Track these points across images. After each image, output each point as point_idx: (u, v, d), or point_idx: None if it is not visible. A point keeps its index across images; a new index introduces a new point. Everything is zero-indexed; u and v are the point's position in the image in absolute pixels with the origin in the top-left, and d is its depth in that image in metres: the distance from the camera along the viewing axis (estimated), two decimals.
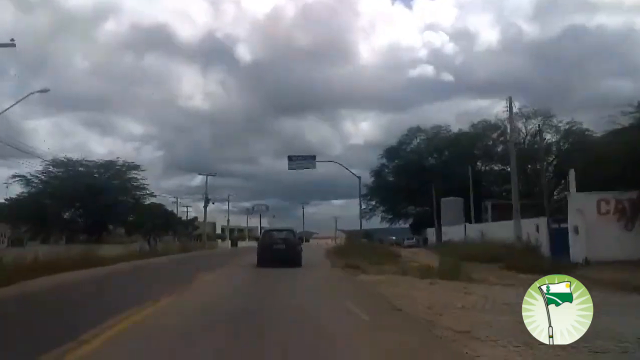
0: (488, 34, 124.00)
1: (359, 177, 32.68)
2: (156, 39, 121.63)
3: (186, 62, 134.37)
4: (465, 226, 39.28)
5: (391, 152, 59.71)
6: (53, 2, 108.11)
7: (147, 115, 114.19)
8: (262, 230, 25.41)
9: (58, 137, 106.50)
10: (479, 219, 47.25)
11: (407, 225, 68.10)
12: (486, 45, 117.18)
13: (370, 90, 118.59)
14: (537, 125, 50.56)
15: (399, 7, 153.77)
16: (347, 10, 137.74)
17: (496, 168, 54.18)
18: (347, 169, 32.49)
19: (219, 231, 79.85)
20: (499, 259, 20.36)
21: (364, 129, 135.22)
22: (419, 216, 63.11)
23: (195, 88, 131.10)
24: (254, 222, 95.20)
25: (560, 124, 50.54)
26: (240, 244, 70.56)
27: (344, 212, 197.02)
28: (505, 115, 31.67)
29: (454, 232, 41.92)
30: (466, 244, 30.28)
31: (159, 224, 48.16)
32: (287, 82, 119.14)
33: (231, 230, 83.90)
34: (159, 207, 47.53)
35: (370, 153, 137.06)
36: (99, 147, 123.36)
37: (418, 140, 59.20)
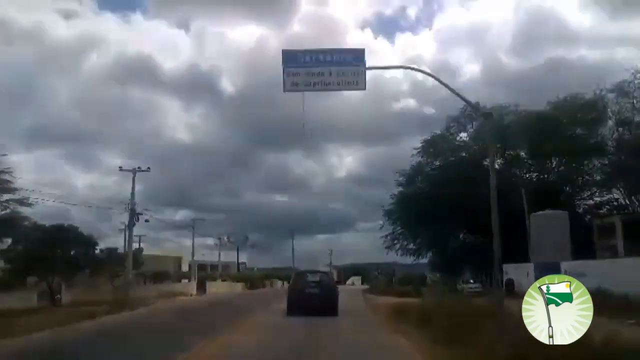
0: (469, 67, 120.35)
1: (476, 105, 14.73)
2: (139, 71, 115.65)
3: (169, 95, 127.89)
4: None
5: (431, 147, 40.32)
6: (34, 33, 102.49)
7: (128, 149, 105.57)
8: (294, 273, 22.09)
9: (38, 172, 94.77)
10: (588, 247, 29.47)
11: (418, 260, 47.51)
12: (468, 77, 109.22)
13: (354, 123, 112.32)
14: None
15: (382, 41, 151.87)
16: (332, 43, 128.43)
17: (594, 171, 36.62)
18: (435, 77, 13.75)
19: (185, 269, 59.68)
20: None
21: (348, 163, 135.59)
22: (469, 246, 44.68)
23: (177, 121, 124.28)
24: (230, 257, 75.44)
25: None
26: (211, 287, 50.79)
27: (335, 245, 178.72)
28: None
29: (603, 271, 20.82)
30: None
31: (72, 258, 28.77)
32: (270, 115, 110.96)
33: (201, 268, 63.98)
34: (66, 231, 28.11)
35: (354, 186, 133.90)
36: (79, 181, 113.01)
37: (472, 128, 39.51)
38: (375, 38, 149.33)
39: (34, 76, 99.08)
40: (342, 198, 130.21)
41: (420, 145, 40.96)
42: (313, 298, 17.74)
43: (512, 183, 34.86)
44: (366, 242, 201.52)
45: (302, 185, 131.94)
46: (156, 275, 44.94)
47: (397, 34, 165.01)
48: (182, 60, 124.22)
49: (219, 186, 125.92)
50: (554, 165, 38.37)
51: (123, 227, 38.86)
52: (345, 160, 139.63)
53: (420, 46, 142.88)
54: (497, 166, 38.73)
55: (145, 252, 54.93)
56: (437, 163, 40.75)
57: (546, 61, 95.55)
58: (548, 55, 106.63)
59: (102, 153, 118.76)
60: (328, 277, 19.91)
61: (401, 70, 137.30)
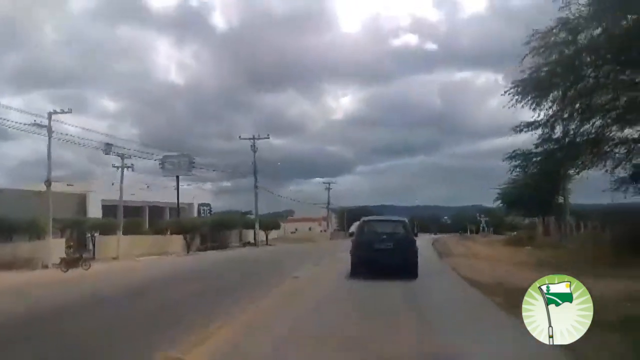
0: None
1: None
2: (127, 9, 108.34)
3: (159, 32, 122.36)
4: None
5: None
6: None
7: (119, 91, 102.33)
8: (360, 221, 16.46)
9: (29, 116, 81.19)
10: None
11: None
12: (472, 12, 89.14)
13: (351, 62, 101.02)
14: None
15: None
16: None
17: None
18: None
19: (94, 213, 40.93)
20: None
21: (345, 104, 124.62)
22: None
23: (169, 61, 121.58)
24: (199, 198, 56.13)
25: None
26: (107, 248, 32.07)
27: (332, 188, 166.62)
28: None
29: None
30: None
31: None
32: (265, 54, 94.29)
33: (133, 212, 45.29)
34: None
35: (349, 128, 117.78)
36: (70, 126, 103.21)
37: None
38: None
39: (19, 18, 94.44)
40: (338, 140, 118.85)
41: None
42: (385, 255, 14.29)
43: None
44: (365, 185, 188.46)
45: (298, 127, 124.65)
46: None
47: None
48: None
49: (212, 128, 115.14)
50: None
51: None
52: (342, 101, 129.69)
53: None
54: None
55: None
56: None
57: None
58: None
59: (93, 96, 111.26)
60: (404, 228, 15.39)
61: (400, 5, 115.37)
